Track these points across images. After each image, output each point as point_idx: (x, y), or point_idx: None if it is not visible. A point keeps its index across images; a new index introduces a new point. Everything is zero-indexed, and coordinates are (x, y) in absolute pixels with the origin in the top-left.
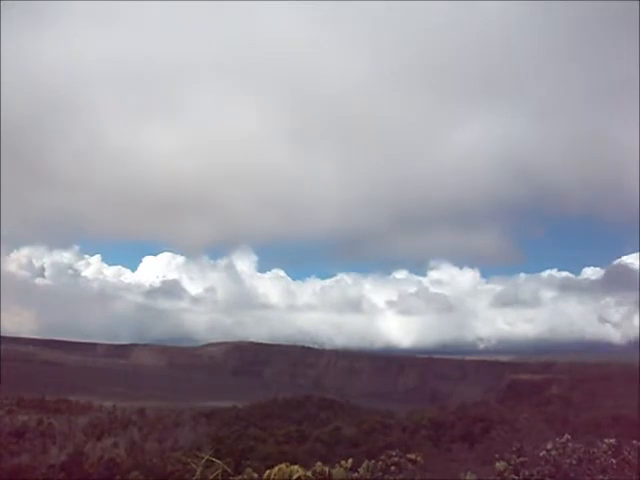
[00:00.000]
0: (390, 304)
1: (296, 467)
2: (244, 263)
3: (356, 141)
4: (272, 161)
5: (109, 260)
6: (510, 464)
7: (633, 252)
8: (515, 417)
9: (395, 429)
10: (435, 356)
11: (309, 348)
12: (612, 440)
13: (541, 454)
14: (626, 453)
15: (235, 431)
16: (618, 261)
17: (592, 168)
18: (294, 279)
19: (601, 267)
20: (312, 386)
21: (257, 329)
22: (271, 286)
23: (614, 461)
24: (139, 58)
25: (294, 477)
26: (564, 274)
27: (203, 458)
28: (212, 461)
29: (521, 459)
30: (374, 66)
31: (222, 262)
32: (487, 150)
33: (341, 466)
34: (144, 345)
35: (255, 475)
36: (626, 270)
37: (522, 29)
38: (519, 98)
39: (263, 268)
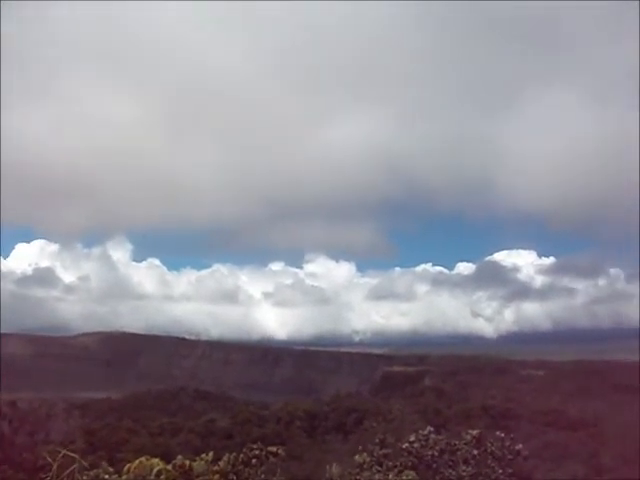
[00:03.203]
0: (266, 295)
1: (156, 460)
2: (119, 252)
3: (233, 132)
4: (148, 149)
5: None
6: (373, 456)
7: (503, 249)
8: (388, 408)
9: (270, 420)
10: (311, 348)
11: (184, 339)
12: (475, 431)
13: (404, 446)
14: (489, 444)
15: (108, 423)
16: (489, 257)
17: (463, 168)
18: (169, 269)
19: (473, 263)
20: (187, 377)
21: (132, 319)
22: (146, 275)
23: (476, 452)
24: (11, 38)
25: (154, 470)
26: (438, 269)
27: (60, 452)
28: (69, 455)
29: (384, 451)
30: (253, 59)
31: (96, 250)
32: (362, 147)
33: (202, 459)
34: (15, 334)
35: (111, 469)
36: (496, 266)
37: (397, 31)
38: (393, 98)
39: (138, 257)
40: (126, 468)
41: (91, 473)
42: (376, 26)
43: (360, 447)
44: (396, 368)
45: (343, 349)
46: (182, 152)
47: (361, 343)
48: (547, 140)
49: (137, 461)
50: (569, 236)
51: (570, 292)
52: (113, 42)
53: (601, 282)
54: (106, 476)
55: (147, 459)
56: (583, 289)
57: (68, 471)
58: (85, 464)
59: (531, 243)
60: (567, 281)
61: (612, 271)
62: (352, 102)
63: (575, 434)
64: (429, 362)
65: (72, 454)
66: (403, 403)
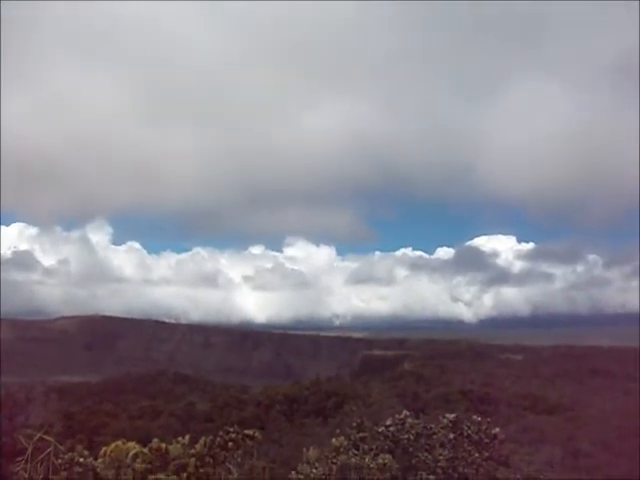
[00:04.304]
0: (246, 279)
1: (132, 444)
2: (98, 235)
3: (214, 118)
4: (129, 133)
5: None
6: (350, 439)
7: (483, 234)
8: (368, 392)
9: (249, 404)
10: (291, 332)
11: (164, 322)
12: (452, 415)
13: (380, 430)
14: (466, 428)
15: (87, 407)
16: (469, 242)
17: (443, 154)
18: (149, 252)
19: (453, 248)
20: (167, 361)
21: (111, 302)
22: (126, 259)
23: (453, 436)
24: None
25: (131, 454)
26: (418, 253)
27: (35, 436)
28: (46, 439)
29: (361, 434)
30: (233, 45)
31: (76, 234)
32: (343, 133)
33: (178, 442)
34: None
35: (86, 452)
36: (476, 251)
37: (379, 21)
38: (375, 87)
39: (118, 240)
40: (102, 451)
41: (66, 456)
42: (359, 15)
43: (338, 431)
44: (376, 352)
45: (323, 333)
46: (163, 137)
47: (341, 327)
48: (527, 129)
49: (113, 444)
50: (548, 222)
51: (549, 277)
52: (97, 31)
53: (579, 268)
54: (81, 459)
55: (123, 442)
56: (561, 275)
57: (43, 454)
58: (61, 447)
59: (511, 229)
60: (546, 267)
61: (590, 257)
62: (332, 89)
63: (553, 418)
64: (408, 346)
65: (48, 437)
66: (382, 387)
